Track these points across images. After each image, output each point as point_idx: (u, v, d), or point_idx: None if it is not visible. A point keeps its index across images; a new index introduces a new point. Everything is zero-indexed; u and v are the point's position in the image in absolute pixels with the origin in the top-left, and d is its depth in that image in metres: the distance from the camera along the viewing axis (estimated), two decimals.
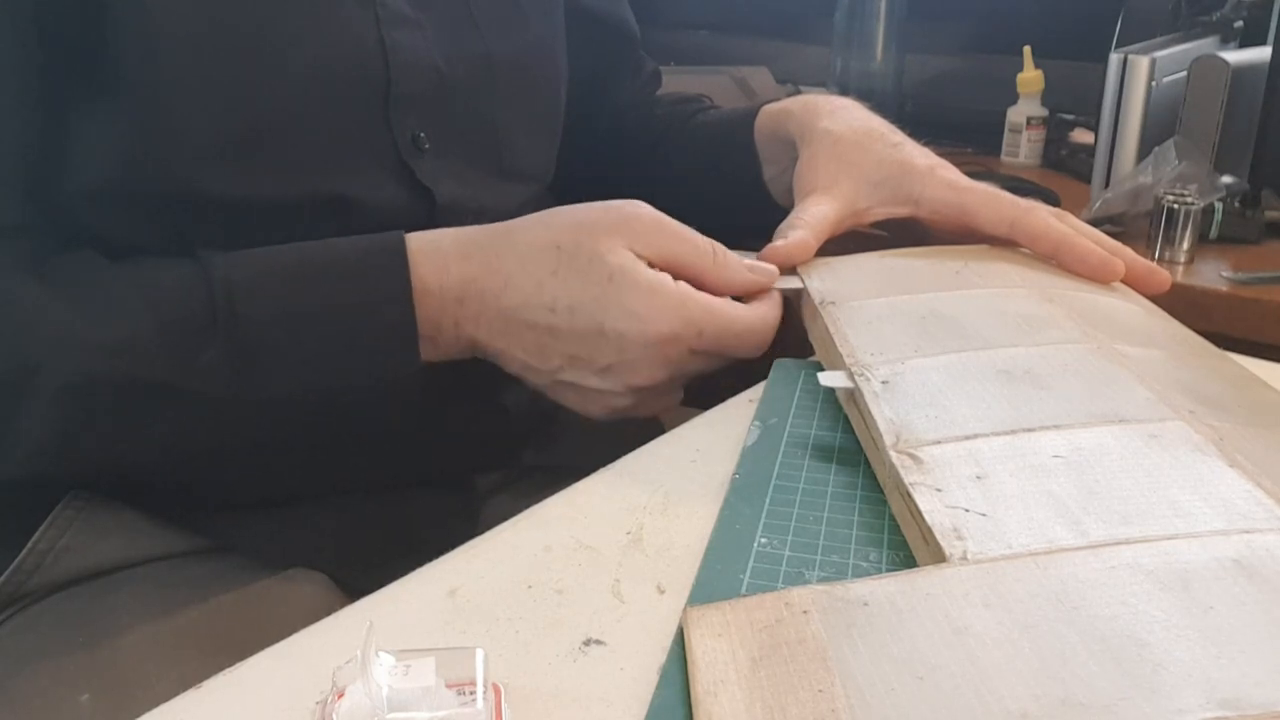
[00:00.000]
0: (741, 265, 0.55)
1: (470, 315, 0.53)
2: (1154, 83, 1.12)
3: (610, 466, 0.47)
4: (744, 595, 0.36)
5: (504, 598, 0.38)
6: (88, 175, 0.51)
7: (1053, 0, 1.50)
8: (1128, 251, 0.60)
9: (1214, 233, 1.06)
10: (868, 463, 0.46)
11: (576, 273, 0.51)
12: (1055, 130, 1.44)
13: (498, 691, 0.32)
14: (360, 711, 0.29)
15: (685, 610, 0.34)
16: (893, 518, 0.41)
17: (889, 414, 0.44)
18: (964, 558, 0.35)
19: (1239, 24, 1.27)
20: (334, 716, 0.30)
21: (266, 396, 0.50)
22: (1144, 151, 1.12)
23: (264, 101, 0.52)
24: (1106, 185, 1.16)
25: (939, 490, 0.39)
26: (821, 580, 0.37)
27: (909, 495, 0.39)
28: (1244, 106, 1.10)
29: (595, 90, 0.80)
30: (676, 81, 0.96)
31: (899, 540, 0.40)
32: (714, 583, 0.38)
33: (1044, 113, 1.42)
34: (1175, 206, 1.01)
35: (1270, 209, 1.09)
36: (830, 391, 0.50)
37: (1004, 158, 1.44)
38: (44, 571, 0.53)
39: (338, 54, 0.55)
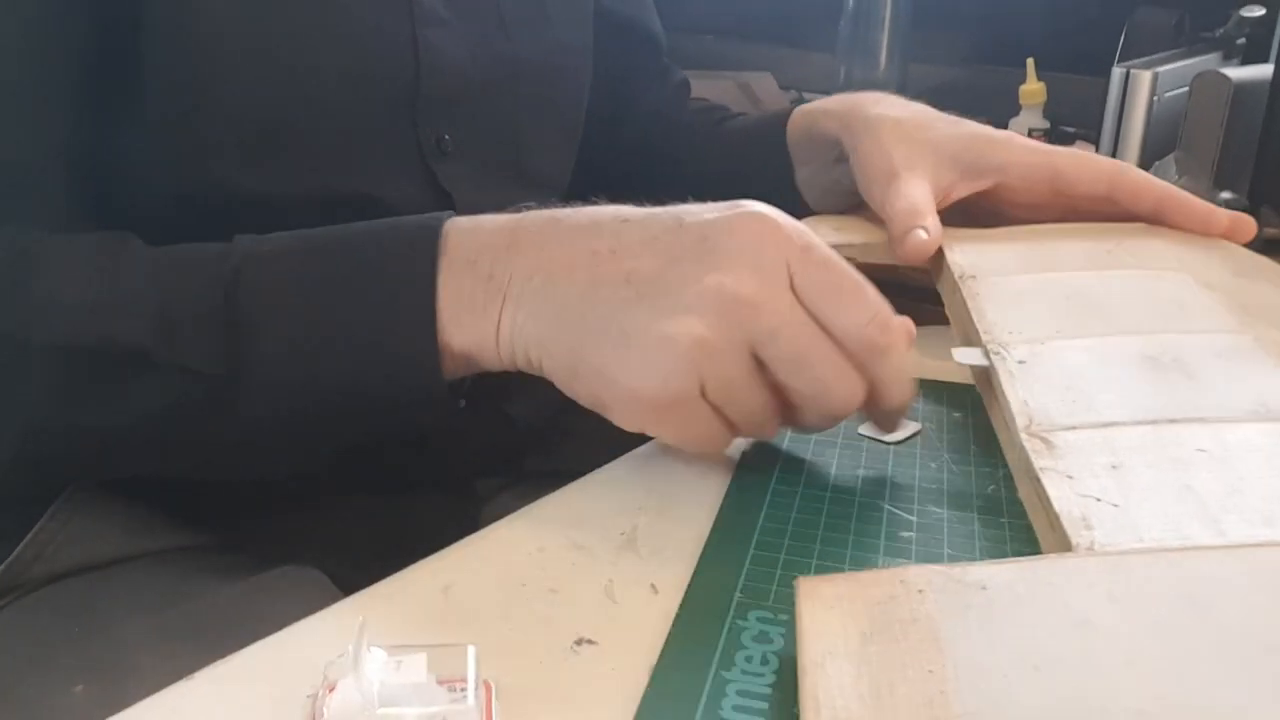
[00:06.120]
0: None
1: (519, 243, 0.44)
2: (1156, 97, 1.13)
3: (606, 467, 0.47)
4: (859, 570, 0.35)
5: (497, 596, 0.38)
6: (118, 174, 0.51)
7: (1057, 13, 1.51)
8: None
9: None
10: (866, 466, 0.46)
11: (660, 213, 0.44)
12: (1056, 142, 1.44)
13: (488, 689, 0.32)
14: (351, 706, 0.29)
15: (797, 581, 0.33)
16: (889, 522, 0.41)
17: (1023, 395, 0.43)
18: (1091, 548, 0.34)
19: (1241, 40, 1.27)
20: (325, 710, 0.30)
21: (261, 386, 0.45)
22: (1144, 166, 1.13)
23: (295, 98, 0.52)
24: None
25: (1070, 477, 0.38)
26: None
27: (1038, 480, 0.38)
28: (1245, 123, 1.10)
29: (620, 96, 0.79)
30: None
31: (895, 547, 0.40)
32: (708, 585, 0.38)
33: (1046, 125, 1.42)
34: None
35: (1269, 225, 1.09)
36: None
37: None
38: (42, 563, 0.53)
39: (369, 51, 0.54)
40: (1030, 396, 0.43)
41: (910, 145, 0.60)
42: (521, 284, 0.44)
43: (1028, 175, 0.60)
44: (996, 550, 0.40)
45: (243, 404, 0.45)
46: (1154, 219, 0.59)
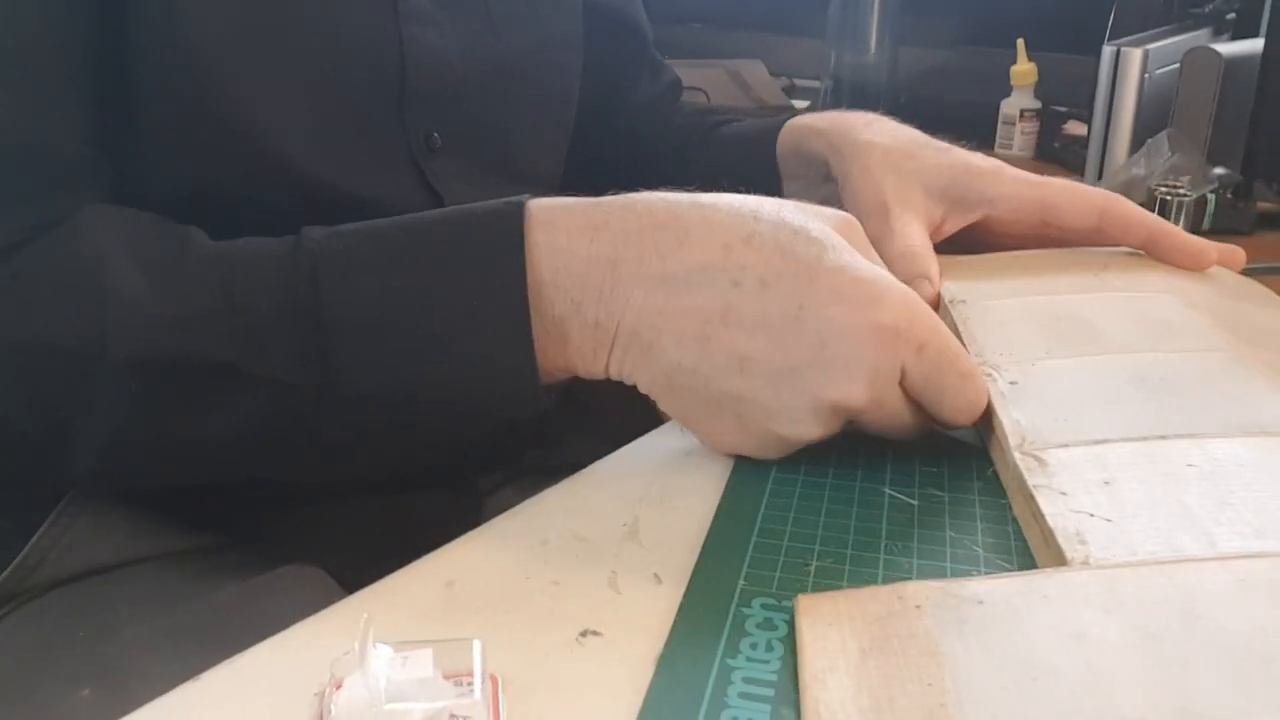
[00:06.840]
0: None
1: (623, 280, 0.43)
2: (1147, 75, 1.13)
3: (607, 459, 0.47)
4: (856, 587, 0.35)
5: (501, 589, 0.38)
6: (115, 176, 0.51)
7: None
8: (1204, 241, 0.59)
9: (1207, 224, 1.06)
10: (866, 451, 0.46)
11: (778, 245, 0.43)
12: (1049, 122, 1.44)
13: (495, 682, 0.32)
14: (358, 703, 0.29)
15: (796, 598, 0.34)
16: (890, 509, 0.41)
17: (1015, 415, 0.43)
18: (1085, 562, 0.35)
19: (1231, 16, 1.27)
20: (332, 708, 0.30)
21: (351, 391, 0.45)
22: (1137, 143, 1.13)
23: (280, 96, 0.52)
24: (1100, 177, 1.16)
25: (1064, 494, 0.38)
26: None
27: (1032, 498, 0.38)
28: (1236, 98, 1.10)
29: (609, 88, 0.79)
30: None
31: (896, 530, 0.40)
32: (712, 573, 0.38)
33: (1037, 105, 1.43)
34: (1168, 198, 1.01)
35: (1262, 200, 1.09)
36: None
37: (997, 150, 1.45)
38: (46, 568, 0.53)
39: (353, 47, 0.54)
40: (1022, 416, 0.43)
41: (900, 176, 0.60)
42: (629, 337, 0.43)
43: (1017, 208, 0.60)
44: (998, 530, 0.40)
45: (333, 409, 0.46)
46: (1145, 249, 0.59)
